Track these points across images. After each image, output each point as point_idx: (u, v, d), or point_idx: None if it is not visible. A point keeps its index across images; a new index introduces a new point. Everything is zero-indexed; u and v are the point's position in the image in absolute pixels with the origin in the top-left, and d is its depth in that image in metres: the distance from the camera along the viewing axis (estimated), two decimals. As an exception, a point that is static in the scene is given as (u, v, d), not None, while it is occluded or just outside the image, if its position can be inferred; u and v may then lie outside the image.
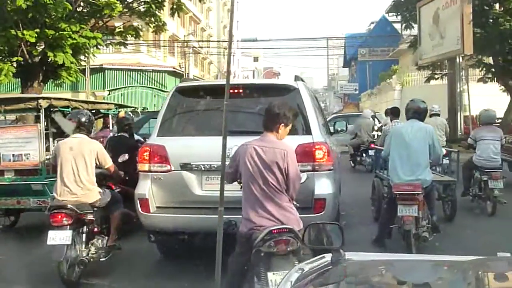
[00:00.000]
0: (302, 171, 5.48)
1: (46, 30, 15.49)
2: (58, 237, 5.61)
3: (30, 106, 8.52)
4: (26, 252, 6.98)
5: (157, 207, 6.03)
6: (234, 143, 4.79)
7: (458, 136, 22.70)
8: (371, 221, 8.19)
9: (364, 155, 15.81)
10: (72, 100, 9.90)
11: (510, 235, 7.28)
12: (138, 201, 6.02)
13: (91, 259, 6.03)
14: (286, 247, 4.03)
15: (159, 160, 5.96)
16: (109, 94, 33.11)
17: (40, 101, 8.29)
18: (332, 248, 2.83)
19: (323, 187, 5.74)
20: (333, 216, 5.98)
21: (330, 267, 2.33)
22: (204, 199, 5.87)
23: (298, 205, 4.58)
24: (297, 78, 6.50)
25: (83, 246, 6.01)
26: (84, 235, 6.05)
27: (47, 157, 8.03)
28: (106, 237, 6.38)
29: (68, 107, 9.16)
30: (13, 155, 8.06)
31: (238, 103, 6.11)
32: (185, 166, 5.91)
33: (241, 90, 6.19)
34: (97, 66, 32.05)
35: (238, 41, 70.87)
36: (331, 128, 9.34)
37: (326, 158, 5.77)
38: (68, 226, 5.75)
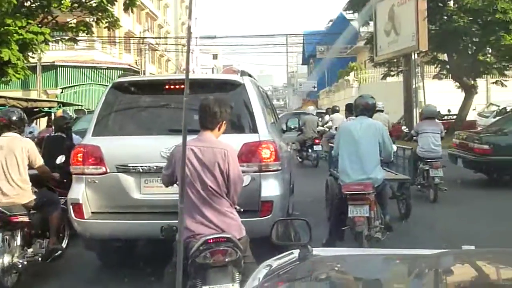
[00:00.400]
0: (247, 172, 5.16)
1: (-10, 26, 14.81)
2: None
3: None
4: None
5: (92, 212, 5.60)
6: (176, 142, 4.40)
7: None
8: (324, 221, 7.94)
9: (309, 150, 16.59)
10: (9, 98, 9.34)
11: (461, 226, 7.41)
12: (71, 206, 5.58)
13: (27, 263, 5.64)
14: (224, 258, 3.67)
15: (94, 161, 5.54)
16: (61, 92, 32.21)
17: None
18: (299, 244, 2.74)
19: (270, 188, 5.43)
20: None
21: (298, 262, 2.33)
22: (143, 203, 5.49)
23: (241, 209, 4.23)
24: (243, 73, 6.17)
25: (18, 250, 5.64)
26: (18, 238, 5.66)
27: None
28: (47, 240, 6.00)
29: (4, 105, 8.96)
30: None
31: (180, 100, 5.70)
32: (122, 168, 5.50)
33: (182, 86, 5.77)
34: (49, 64, 31.18)
35: (196, 38, 70.19)
36: (284, 126, 9.13)
37: (273, 157, 5.46)
38: None
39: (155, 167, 5.32)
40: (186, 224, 3.97)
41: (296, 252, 2.44)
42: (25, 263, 5.63)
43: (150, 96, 6.07)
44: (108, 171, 5.51)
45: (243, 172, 4.47)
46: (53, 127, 10.98)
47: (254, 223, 5.16)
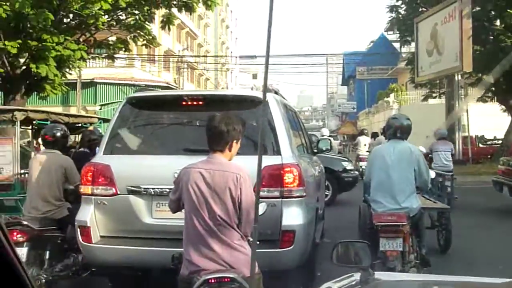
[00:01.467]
0: (268, 198, 4.72)
1: (29, 41, 14.89)
2: None
3: (5, 118, 8.25)
4: None
5: (101, 236, 5.19)
6: (191, 163, 3.94)
7: (456, 157, 21.92)
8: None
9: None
10: (51, 113, 9.48)
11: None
12: (78, 229, 5.17)
13: (54, 278, 5.54)
14: None
15: (104, 182, 5.12)
16: (100, 109, 32.50)
17: (15, 113, 7.99)
18: (361, 266, 2.60)
19: (293, 216, 4.88)
20: (305, 251, 5.12)
21: (359, 286, 2.30)
22: (154, 228, 5.05)
23: (251, 240, 3.72)
24: (267, 89, 5.64)
25: (46, 263, 5.57)
26: (47, 252, 5.62)
27: (22, 171, 7.81)
28: (81, 255, 5.76)
29: (47, 120, 8.85)
30: None
31: (198, 117, 5.32)
32: (133, 190, 5.07)
33: (200, 102, 5.35)
34: (89, 80, 31.52)
35: (236, 57, 70.59)
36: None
37: (297, 182, 4.92)
38: (24, 243, 5.35)
39: (167, 190, 4.81)
40: (190, 257, 3.51)
41: (356, 275, 2.42)
42: (51, 277, 5.48)
43: (165, 113, 5.67)
44: (119, 192, 5.10)
45: (261, 198, 3.97)
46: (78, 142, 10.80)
47: (273, 255, 4.68)
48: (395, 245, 5.29)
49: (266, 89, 2.31)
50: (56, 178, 5.82)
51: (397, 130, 5.77)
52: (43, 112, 9.23)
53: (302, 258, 5.05)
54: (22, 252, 5.31)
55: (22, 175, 7.75)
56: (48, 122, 8.73)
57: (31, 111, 8.77)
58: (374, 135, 18.33)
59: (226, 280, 3.24)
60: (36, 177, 5.84)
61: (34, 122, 8.95)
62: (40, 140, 7.57)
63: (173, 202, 3.80)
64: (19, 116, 8.02)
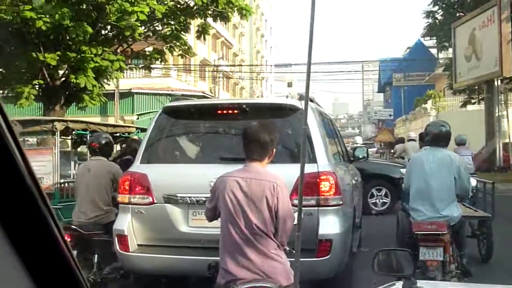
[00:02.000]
0: (304, 206, 4.69)
1: (68, 53, 15.24)
2: None
3: (46, 129, 8.56)
4: None
5: (138, 245, 5.25)
6: (227, 171, 3.96)
7: (497, 164, 21.41)
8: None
9: None
10: (90, 123, 9.80)
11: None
12: (116, 238, 5.25)
13: (103, 280, 5.75)
14: None
15: (141, 191, 5.19)
16: (138, 119, 32.92)
17: (55, 123, 8.34)
18: (403, 275, 2.59)
19: (329, 225, 4.85)
20: (341, 261, 5.06)
21: None
22: (191, 237, 5.08)
23: (291, 250, 3.70)
24: (302, 97, 5.62)
25: (95, 267, 5.76)
26: (96, 256, 5.82)
27: (61, 180, 8.09)
28: None
29: (86, 130, 9.21)
30: None
31: (234, 126, 5.32)
32: (169, 199, 5.12)
33: (236, 111, 5.38)
34: (126, 91, 32.03)
35: (271, 66, 70.73)
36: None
37: (334, 190, 4.89)
38: (73, 247, 5.50)
39: (204, 198, 4.82)
40: (227, 266, 3.49)
41: (399, 284, 2.40)
42: (99, 279, 5.66)
43: (201, 122, 5.71)
44: (155, 201, 5.16)
45: (297, 207, 3.94)
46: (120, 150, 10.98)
47: (310, 264, 4.63)
48: (435, 254, 5.18)
49: (308, 98, 2.29)
50: (104, 183, 6.02)
51: (436, 137, 5.66)
52: (82, 122, 9.56)
53: (339, 267, 5.00)
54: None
55: (62, 184, 7.98)
56: (87, 132, 9.04)
57: (70, 121, 9.08)
58: (400, 141, 18.48)
59: None
60: (84, 183, 6.06)
61: (73, 132, 9.20)
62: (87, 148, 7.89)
63: (209, 211, 3.80)
64: (59, 126, 8.32)
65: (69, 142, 11.87)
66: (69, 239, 5.42)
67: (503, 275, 6.80)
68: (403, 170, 13.50)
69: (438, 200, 5.44)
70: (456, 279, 5.36)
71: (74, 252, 5.07)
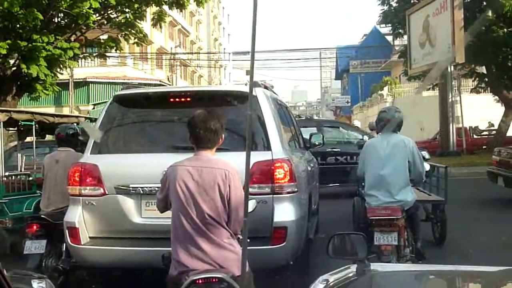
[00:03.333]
0: (259, 194, 4.65)
1: (19, 41, 14.75)
2: (34, 246, 5.68)
3: None
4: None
5: (90, 237, 5.12)
6: (178, 160, 3.87)
7: (451, 149, 21.89)
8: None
9: None
10: (35, 113, 9.28)
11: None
12: (67, 231, 5.12)
13: (71, 268, 5.76)
14: None
15: (92, 182, 5.07)
16: (93, 108, 32.34)
17: None
18: (357, 258, 2.60)
19: (284, 213, 4.83)
20: (297, 248, 5.07)
21: (356, 278, 2.29)
22: (144, 228, 4.98)
23: (241, 238, 3.65)
24: (256, 84, 5.55)
25: (64, 255, 5.78)
26: (64, 244, 5.70)
27: (7, 173, 8.00)
28: None
29: (31, 120, 8.81)
30: None
31: (186, 114, 5.18)
32: (121, 189, 5.02)
33: (188, 99, 5.30)
34: (81, 80, 31.38)
35: (229, 53, 70.40)
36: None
37: (288, 178, 4.87)
38: (43, 236, 5.71)
39: (157, 188, 4.73)
40: (179, 257, 3.44)
41: (353, 267, 2.42)
42: (68, 268, 5.71)
43: (153, 110, 5.61)
44: (107, 192, 5.05)
45: (252, 194, 3.91)
46: None
47: (265, 252, 4.62)
48: (390, 239, 5.22)
49: (252, 83, 2.22)
50: None
51: (388, 123, 5.69)
52: (27, 112, 9.16)
53: (294, 255, 5.01)
54: (42, 244, 5.67)
55: (6, 178, 7.81)
56: (33, 123, 8.80)
57: (14, 111, 8.69)
58: None
59: (214, 280, 3.17)
60: (53, 174, 6.16)
61: (19, 123, 8.92)
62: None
63: (160, 201, 3.73)
64: (2, 117, 7.98)
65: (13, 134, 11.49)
66: (39, 229, 5.76)
67: (456, 257, 6.95)
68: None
69: (393, 185, 5.51)
70: (411, 263, 5.36)
71: (44, 241, 5.63)
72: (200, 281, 3.16)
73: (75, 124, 8.12)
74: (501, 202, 10.99)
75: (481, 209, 10.55)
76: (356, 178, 7.20)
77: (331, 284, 2.28)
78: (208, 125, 3.50)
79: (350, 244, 2.82)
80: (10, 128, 9.24)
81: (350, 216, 8.09)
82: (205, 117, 3.53)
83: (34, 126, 9.02)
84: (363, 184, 6.58)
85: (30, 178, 8.13)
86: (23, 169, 9.14)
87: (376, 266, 2.50)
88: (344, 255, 2.83)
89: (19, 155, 9.63)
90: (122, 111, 5.51)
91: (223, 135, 3.58)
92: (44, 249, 5.66)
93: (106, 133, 5.39)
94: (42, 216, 5.92)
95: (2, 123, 8.06)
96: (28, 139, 10.45)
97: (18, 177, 8.24)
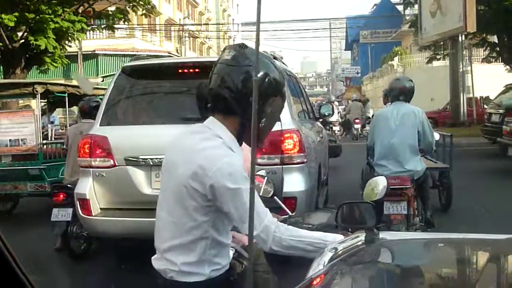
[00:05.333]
0: (268, 165, 4.68)
1: (26, 14, 14.72)
2: (60, 214, 5.99)
3: (26, 92, 8.77)
4: (28, 233, 7.18)
5: (101, 208, 5.17)
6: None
7: (461, 119, 21.77)
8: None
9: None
10: (68, 86, 9.97)
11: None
12: (78, 202, 5.16)
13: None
14: None
15: (101, 153, 5.08)
16: (102, 81, 32.28)
17: (36, 86, 8.49)
18: (365, 227, 2.58)
19: (294, 183, 4.85)
20: None
21: (364, 246, 2.29)
22: (154, 199, 4.92)
23: None
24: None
25: None
26: None
27: (44, 141, 8.46)
28: None
29: (64, 92, 9.37)
30: (10, 140, 8.20)
31: (193, 85, 5.20)
32: (131, 161, 5.01)
33: (197, 70, 5.23)
34: (90, 52, 31.33)
35: (238, 24, 69.86)
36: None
37: (298, 148, 4.88)
38: (69, 204, 5.89)
39: None
40: None
41: (362, 235, 2.40)
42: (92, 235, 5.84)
43: (162, 82, 5.58)
44: (117, 164, 5.05)
45: (261, 165, 3.93)
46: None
47: (275, 222, 4.67)
48: (399, 208, 5.23)
49: (258, 50, 2.20)
50: None
51: (400, 93, 5.72)
52: (61, 85, 9.83)
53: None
54: (68, 212, 5.95)
55: (44, 146, 8.32)
56: (65, 95, 9.33)
57: (50, 83, 9.19)
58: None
59: None
60: (77, 144, 6.10)
61: (50, 95, 9.46)
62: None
63: None
64: (40, 89, 8.48)
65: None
66: (65, 197, 6.03)
67: (465, 225, 6.99)
68: None
69: (402, 155, 5.51)
70: (420, 232, 5.42)
71: (70, 210, 5.89)
72: None
73: (99, 97, 8.35)
74: (509, 171, 10.97)
75: (491, 179, 10.55)
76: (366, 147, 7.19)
77: (339, 252, 2.27)
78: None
79: (359, 213, 2.84)
80: (41, 100, 9.65)
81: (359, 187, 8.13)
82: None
83: (67, 98, 9.44)
84: (373, 154, 6.60)
85: (64, 147, 8.59)
86: (53, 139, 9.54)
87: (385, 235, 2.47)
88: (352, 224, 2.85)
89: (50, 125, 10.26)
90: (131, 83, 5.48)
91: None
92: (70, 217, 5.92)
93: (115, 105, 5.38)
94: (68, 185, 6.13)
95: (39, 94, 8.54)
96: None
97: (54, 145, 8.66)
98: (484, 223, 6.75)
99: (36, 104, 8.75)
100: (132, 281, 5.12)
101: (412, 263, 2.26)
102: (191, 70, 5.27)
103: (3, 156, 8.26)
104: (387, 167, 5.55)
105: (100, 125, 5.23)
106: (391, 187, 5.15)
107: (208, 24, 55.21)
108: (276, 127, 4.73)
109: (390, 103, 6.15)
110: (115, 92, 5.38)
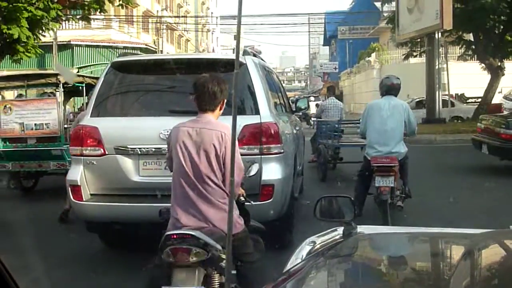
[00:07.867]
0: (248, 155, 4.95)
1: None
2: None
3: (50, 81, 9.80)
4: (50, 210, 7.96)
5: (91, 194, 5.48)
6: (175, 123, 4.03)
7: (436, 116, 22.07)
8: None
9: None
10: (86, 76, 11.23)
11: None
12: (69, 188, 5.46)
13: None
14: (188, 257, 3.22)
15: (92, 143, 5.41)
16: (78, 72, 31.94)
17: (59, 76, 9.58)
18: (343, 221, 2.68)
19: (271, 172, 5.22)
20: (283, 204, 5.46)
21: (342, 240, 2.34)
22: (142, 186, 5.33)
23: (250, 201, 3.98)
24: (245, 52, 5.89)
25: None
26: None
27: (65, 126, 9.43)
28: None
29: (82, 82, 10.49)
30: (35, 124, 9.33)
31: (182, 80, 5.54)
32: (120, 150, 5.34)
33: (183, 66, 5.66)
34: (65, 42, 30.87)
35: (217, 18, 69.67)
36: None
37: (275, 139, 5.26)
38: None
39: (153, 149, 5.24)
40: (177, 215, 3.57)
41: (340, 229, 2.47)
42: None
43: (150, 76, 5.99)
44: (107, 152, 5.38)
45: (242, 155, 4.03)
46: None
47: (254, 208, 4.83)
48: (388, 182, 6.37)
49: (238, 44, 2.24)
50: None
51: (390, 88, 6.87)
52: (79, 75, 11.36)
53: (281, 210, 5.38)
54: None
55: (66, 129, 9.35)
56: (83, 84, 10.40)
57: None
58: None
59: (187, 236, 3.28)
60: None
61: (66, 85, 10.15)
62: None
63: (168, 160, 3.87)
64: (62, 79, 9.49)
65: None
66: None
67: (441, 222, 7.13)
68: None
69: (392, 139, 6.63)
70: (401, 201, 6.80)
71: None
72: (175, 236, 3.27)
73: (82, 84, 9.15)
74: (484, 169, 11.18)
75: (465, 176, 10.73)
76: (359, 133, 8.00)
77: (317, 245, 2.35)
78: (206, 88, 3.62)
79: (337, 206, 2.90)
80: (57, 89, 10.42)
81: None
82: (205, 80, 3.66)
83: (84, 88, 10.52)
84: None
85: None
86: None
87: (362, 229, 2.56)
88: (331, 217, 2.90)
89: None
90: (120, 77, 5.78)
91: (224, 100, 3.70)
92: None
93: (105, 97, 5.66)
94: None
95: (61, 84, 9.46)
96: None
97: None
98: (460, 220, 6.94)
99: (59, 92, 9.57)
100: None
101: (389, 257, 2.31)
102: (177, 66, 5.60)
103: (29, 138, 9.44)
104: (378, 150, 6.63)
105: (91, 116, 5.54)
106: (382, 164, 6.44)
107: (186, 16, 54.94)
108: (256, 120, 5.04)
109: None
110: (104, 86, 5.67)
